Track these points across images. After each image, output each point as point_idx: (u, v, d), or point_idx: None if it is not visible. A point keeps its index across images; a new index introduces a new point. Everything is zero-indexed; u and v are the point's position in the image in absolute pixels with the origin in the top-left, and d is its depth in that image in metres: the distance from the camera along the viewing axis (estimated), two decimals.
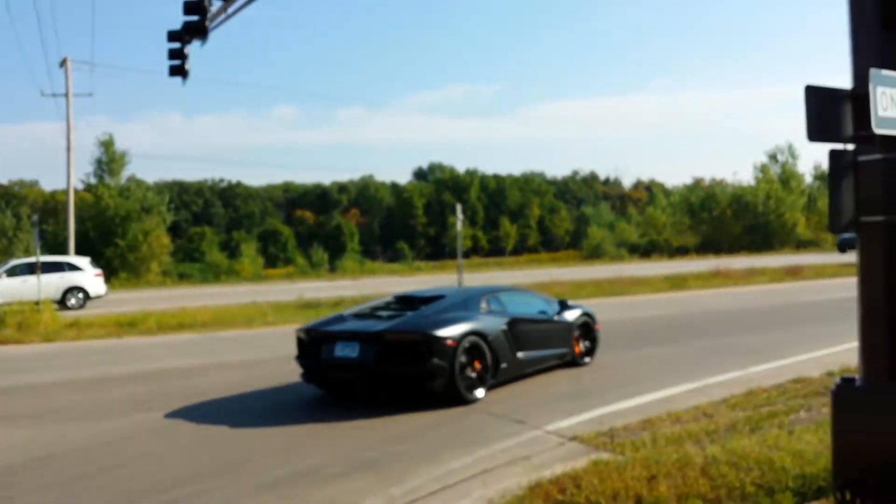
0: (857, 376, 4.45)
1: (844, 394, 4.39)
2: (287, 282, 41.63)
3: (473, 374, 8.81)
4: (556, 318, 10.69)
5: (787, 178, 66.53)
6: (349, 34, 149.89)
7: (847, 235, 45.10)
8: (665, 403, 8.31)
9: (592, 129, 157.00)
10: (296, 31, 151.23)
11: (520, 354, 9.68)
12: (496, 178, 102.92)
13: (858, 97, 3.84)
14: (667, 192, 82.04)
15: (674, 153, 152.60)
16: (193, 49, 14.33)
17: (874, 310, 4.16)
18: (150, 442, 7.55)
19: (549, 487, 5.35)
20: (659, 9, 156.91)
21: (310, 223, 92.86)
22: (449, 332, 8.64)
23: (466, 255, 74.39)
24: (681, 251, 59.49)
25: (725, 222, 63.80)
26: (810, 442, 6.01)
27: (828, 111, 3.97)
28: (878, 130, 3.75)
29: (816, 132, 3.97)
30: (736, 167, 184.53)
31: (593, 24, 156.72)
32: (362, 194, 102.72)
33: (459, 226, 23.58)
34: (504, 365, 9.33)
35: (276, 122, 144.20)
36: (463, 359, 8.64)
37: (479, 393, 8.83)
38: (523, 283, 25.74)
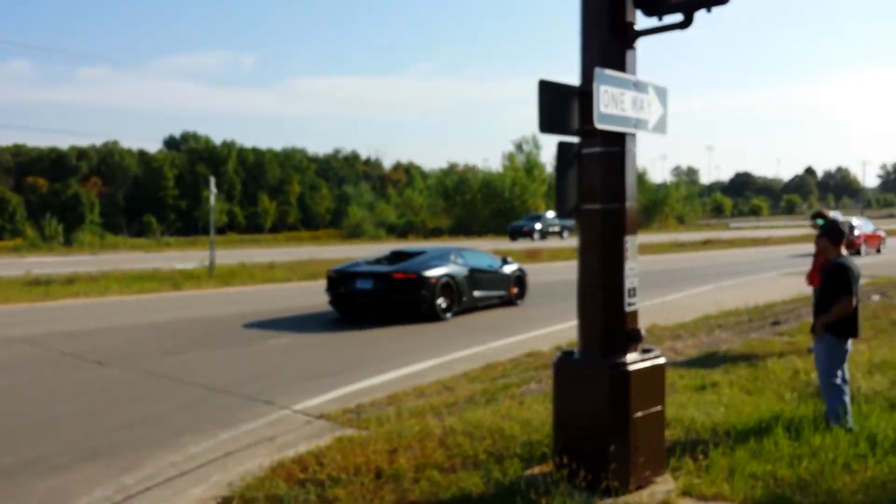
0: (575, 350, 4.88)
1: (564, 366, 4.80)
2: (14, 256, 37.31)
3: (445, 304, 13.23)
4: (499, 270, 14.97)
5: (531, 166, 71.35)
6: None
7: (517, 224, 49.24)
8: (412, 379, 8.59)
9: (355, 109, 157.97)
10: None
11: (475, 293, 14.03)
12: (255, 151, 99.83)
13: (584, 94, 4.18)
14: (424, 175, 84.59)
15: (432, 137, 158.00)
16: None
17: (591, 289, 4.58)
18: None
19: (292, 466, 5.31)
20: None
21: (43, 191, 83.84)
22: (432, 273, 13.10)
23: (222, 231, 71.56)
24: (435, 232, 61.70)
25: (476, 206, 67.10)
26: (538, 411, 6.51)
27: (558, 105, 4.28)
28: (599, 126, 4.11)
29: (548, 125, 4.27)
30: (487, 154, 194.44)
31: (361, 1, 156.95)
32: (105, 162, 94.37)
33: (213, 200, 22.59)
34: (465, 299, 13.72)
35: (6, 78, 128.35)
36: (440, 292, 13.10)
37: (448, 315, 13.25)
38: (282, 262, 25.33)
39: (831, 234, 6.36)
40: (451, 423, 6.12)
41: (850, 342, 6.24)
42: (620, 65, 4.24)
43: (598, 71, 4.07)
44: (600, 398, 4.54)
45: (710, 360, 9.65)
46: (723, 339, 11.33)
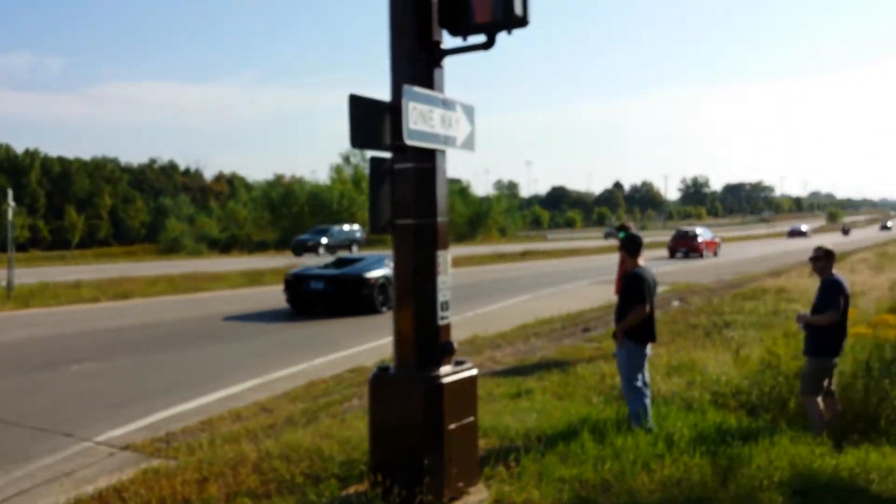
0: (391, 364, 4.86)
1: (379, 381, 4.77)
2: None
3: (381, 299, 15.84)
4: None
5: (359, 179, 71.33)
6: None
7: (301, 237, 48.24)
8: (229, 402, 8.23)
9: (172, 116, 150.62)
10: None
11: None
12: (62, 161, 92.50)
13: (395, 110, 4.19)
14: (248, 187, 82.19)
15: (257, 147, 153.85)
16: None
17: (405, 303, 4.59)
18: None
19: (90, 503, 4.89)
20: None
21: None
22: (372, 275, 15.96)
23: (23, 247, 65.61)
24: (261, 247, 60.04)
25: (303, 219, 65.99)
26: (359, 428, 6.42)
27: (370, 121, 4.26)
28: (409, 142, 4.13)
29: (359, 140, 4.24)
30: (315, 165, 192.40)
31: (183, 5, 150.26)
32: None
33: (11, 214, 20.64)
34: None
35: None
36: (378, 290, 15.86)
37: (384, 309, 15.66)
38: (90, 280, 23.56)
39: (628, 247, 6.81)
40: (268, 447, 5.91)
41: (649, 347, 6.68)
42: (429, 82, 4.29)
43: (406, 88, 4.09)
44: (414, 412, 4.55)
45: (526, 368, 10.01)
46: (538, 347, 11.80)
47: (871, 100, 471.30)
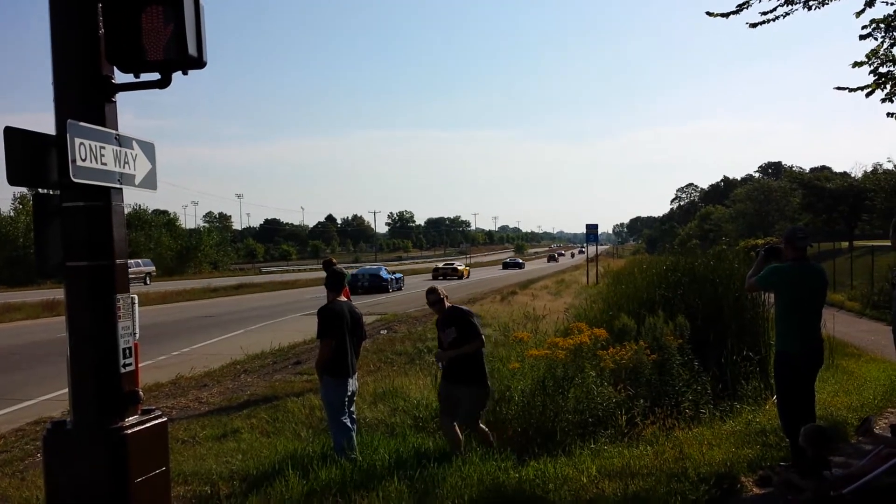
0: (68, 419, 4.35)
1: (54, 438, 4.23)
2: None
3: None
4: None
5: None
6: None
7: None
8: None
9: None
10: None
11: None
12: None
13: (60, 145, 3.79)
14: None
15: None
16: None
17: (81, 352, 4.13)
18: None
19: None
20: None
21: None
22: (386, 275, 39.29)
23: None
24: None
25: None
26: (41, 486, 5.70)
27: (33, 156, 3.80)
28: (76, 179, 3.75)
29: (19, 177, 3.75)
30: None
31: None
32: None
33: None
34: None
35: None
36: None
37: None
38: None
39: (329, 282, 6.85)
40: None
41: (351, 380, 6.65)
42: (100, 118, 3.94)
43: (71, 123, 3.72)
44: (95, 469, 4.10)
45: (234, 407, 9.66)
46: (248, 384, 11.46)
47: (544, 150, 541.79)
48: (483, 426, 6.80)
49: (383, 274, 39.81)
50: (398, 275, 42.00)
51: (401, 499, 5.47)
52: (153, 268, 53.27)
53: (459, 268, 59.86)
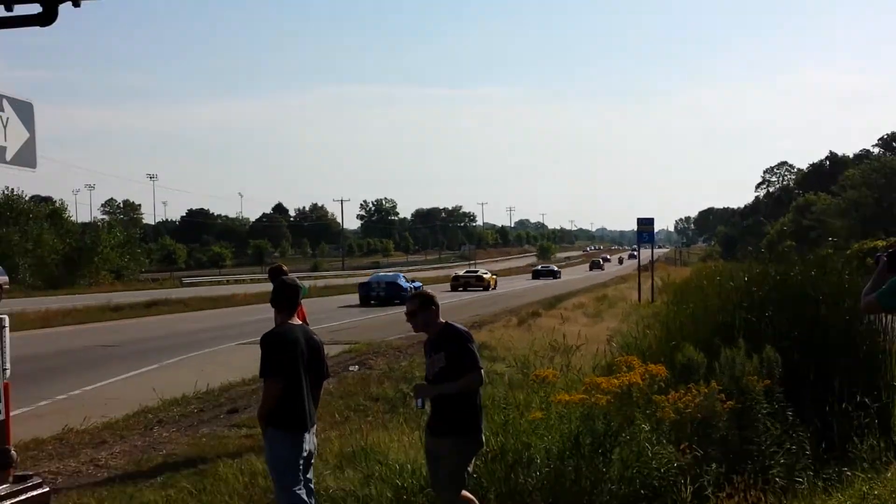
0: None
1: None
2: None
3: None
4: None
5: None
6: None
7: None
8: None
9: None
10: None
11: None
12: None
13: None
14: None
15: None
16: None
17: None
18: None
19: None
20: None
21: None
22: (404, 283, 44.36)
23: None
24: None
25: None
26: None
27: None
28: None
29: None
30: None
31: None
32: None
33: None
34: None
35: None
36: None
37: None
38: None
39: (276, 298, 6.79)
40: None
41: (308, 435, 6.56)
42: None
43: None
44: None
45: (145, 473, 9.72)
46: (164, 440, 11.49)
47: (578, 115, 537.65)
48: (469, 495, 6.71)
49: (402, 282, 43.18)
50: (417, 283, 44.65)
51: None
52: (5, 278, 52.61)
53: (485, 276, 63.08)
